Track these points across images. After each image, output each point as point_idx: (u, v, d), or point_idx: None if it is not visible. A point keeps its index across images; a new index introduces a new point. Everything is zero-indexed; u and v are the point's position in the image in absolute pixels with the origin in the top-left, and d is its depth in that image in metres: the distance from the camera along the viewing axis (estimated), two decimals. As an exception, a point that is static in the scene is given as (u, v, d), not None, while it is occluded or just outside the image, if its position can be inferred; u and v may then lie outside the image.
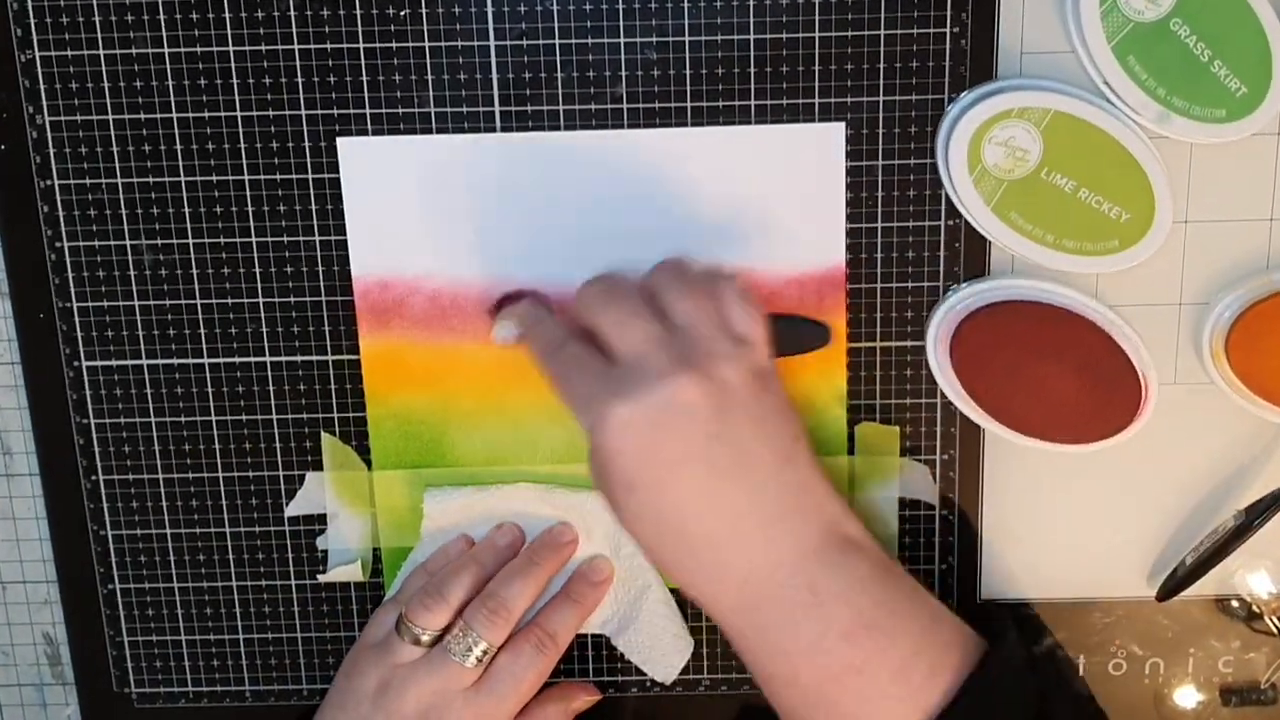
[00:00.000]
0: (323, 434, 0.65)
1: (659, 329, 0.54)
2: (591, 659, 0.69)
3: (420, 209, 0.62)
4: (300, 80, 0.61)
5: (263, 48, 0.61)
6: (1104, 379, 0.61)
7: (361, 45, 0.60)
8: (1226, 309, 0.61)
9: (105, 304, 0.64)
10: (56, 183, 0.63)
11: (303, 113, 0.61)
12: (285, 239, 0.63)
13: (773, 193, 0.62)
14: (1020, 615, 0.67)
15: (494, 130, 0.61)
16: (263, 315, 0.64)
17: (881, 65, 0.60)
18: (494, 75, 0.61)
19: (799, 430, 0.55)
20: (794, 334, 0.61)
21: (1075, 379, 0.61)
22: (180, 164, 0.62)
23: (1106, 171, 0.59)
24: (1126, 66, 0.58)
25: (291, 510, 0.67)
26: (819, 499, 0.55)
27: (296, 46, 0.60)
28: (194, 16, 0.60)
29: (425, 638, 0.61)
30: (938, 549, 0.67)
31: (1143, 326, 0.62)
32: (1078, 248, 0.60)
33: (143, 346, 0.65)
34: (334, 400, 0.65)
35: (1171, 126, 0.58)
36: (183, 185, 0.62)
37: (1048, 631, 0.67)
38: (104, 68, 0.61)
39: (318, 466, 0.66)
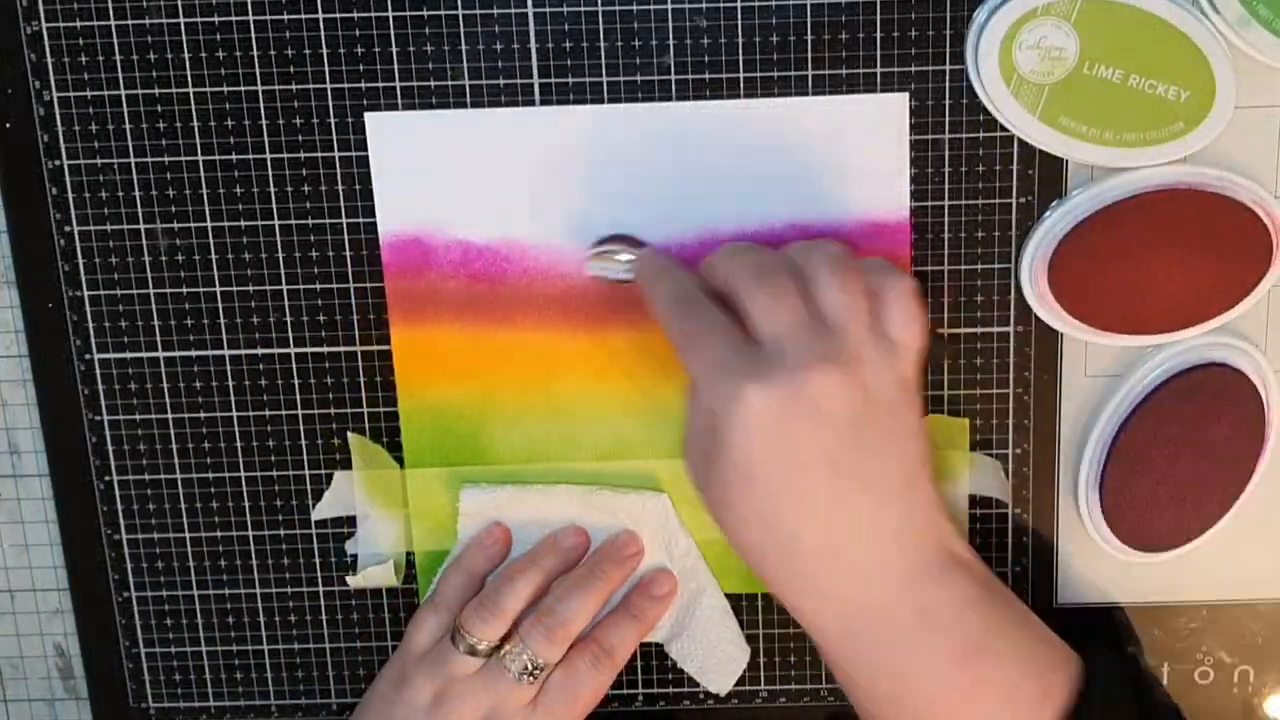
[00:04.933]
0: (349, 432, 0.65)
1: (808, 316, 0.52)
2: (640, 670, 0.68)
3: (455, 189, 0.61)
4: (325, 52, 0.60)
5: (285, 17, 0.60)
6: (1223, 239, 0.59)
7: (391, 14, 0.59)
8: None
9: (118, 292, 0.63)
10: (65, 163, 0.62)
11: (328, 86, 0.60)
12: (310, 222, 0.62)
13: (831, 169, 0.61)
14: (1098, 623, 0.66)
15: (533, 104, 0.60)
16: (286, 304, 0.63)
17: (948, 31, 0.59)
18: (532, 45, 0.60)
19: (927, 452, 0.54)
20: None
21: (1193, 252, 0.59)
22: (198, 142, 0.61)
23: (1153, 52, 0.57)
24: None
25: (319, 513, 0.66)
26: (934, 519, 0.54)
27: (321, 15, 0.60)
28: (211, -17, 0.60)
29: (481, 648, 0.61)
30: (1010, 550, 0.65)
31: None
32: (1140, 139, 0.58)
33: (158, 338, 0.64)
34: (364, 394, 0.64)
35: (1249, 35, 0.56)
36: (200, 165, 0.62)
37: (1128, 638, 0.66)
38: (115, 40, 0.60)
39: (346, 465, 0.65)
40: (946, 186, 0.60)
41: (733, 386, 0.51)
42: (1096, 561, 0.65)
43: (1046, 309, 0.61)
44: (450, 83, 0.60)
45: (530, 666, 0.60)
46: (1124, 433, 0.61)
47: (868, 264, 0.55)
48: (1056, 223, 0.60)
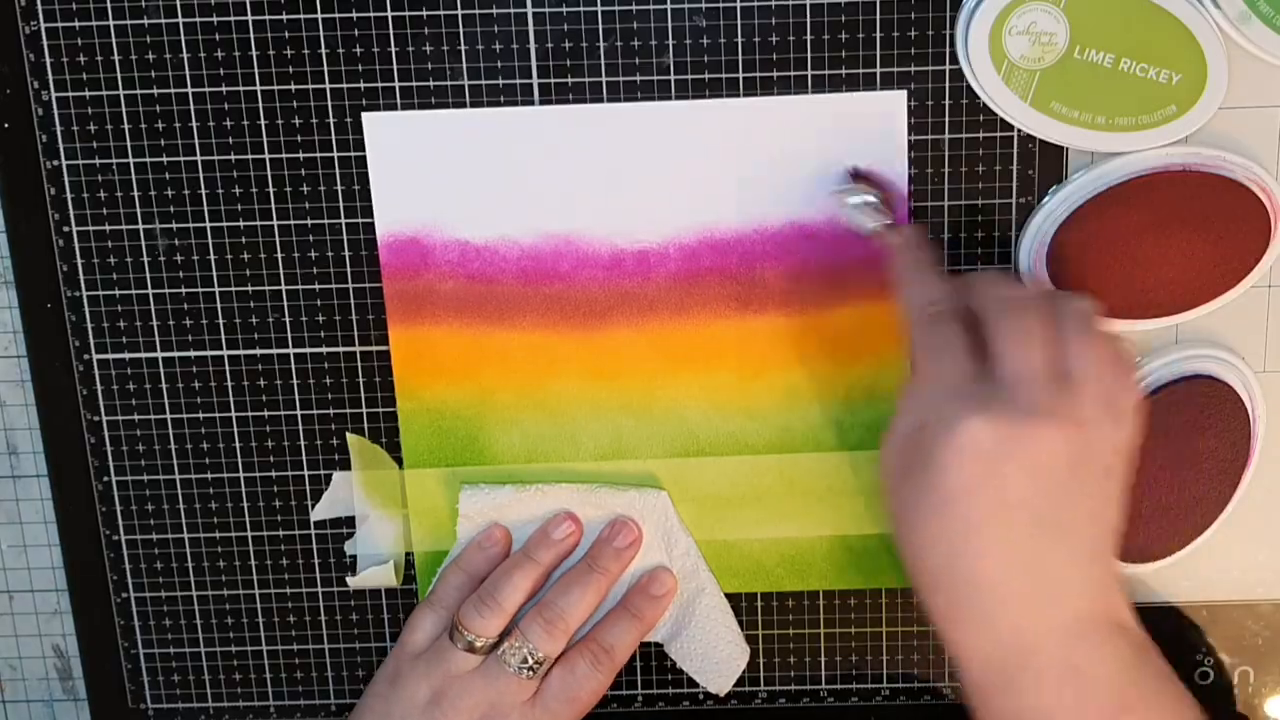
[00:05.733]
0: (348, 432, 0.65)
1: (1051, 365, 0.52)
2: (640, 670, 0.67)
3: (453, 189, 0.61)
4: (324, 51, 0.60)
5: (284, 17, 0.59)
6: (1222, 219, 0.59)
7: (389, 13, 0.59)
8: None
9: (117, 293, 0.63)
10: (64, 163, 0.62)
11: (326, 86, 0.60)
12: (309, 222, 0.62)
13: (831, 169, 0.60)
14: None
15: (532, 103, 0.60)
16: (285, 304, 0.63)
17: (947, 31, 0.58)
18: (532, 45, 0.59)
19: (1118, 523, 0.54)
20: None
21: (1192, 233, 0.59)
22: (196, 142, 0.61)
23: (1142, 35, 0.57)
24: None
25: (317, 514, 0.66)
26: (1110, 587, 0.54)
27: (320, 16, 0.59)
28: (210, -18, 0.59)
29: (480, 644, 0.61)
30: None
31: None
32: (1133, 123, 0.58)
33: (157, 338, 0.64)
34: (362, 394, 0.64)
35: (1251, 30, 0.56)
36: (199, 165, 0.61)
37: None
38: (114, 40, 0.60)
39: (345, 466, 0.65)
40: (946, 185, 0.60)
41: (959, 410, 0.51)
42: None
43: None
44: (449, 83, 0.60)
45: (530, 660, 0.60)
46: None
47: (1112, 333, 0.55)
48: (1054, 209, 0.60)
